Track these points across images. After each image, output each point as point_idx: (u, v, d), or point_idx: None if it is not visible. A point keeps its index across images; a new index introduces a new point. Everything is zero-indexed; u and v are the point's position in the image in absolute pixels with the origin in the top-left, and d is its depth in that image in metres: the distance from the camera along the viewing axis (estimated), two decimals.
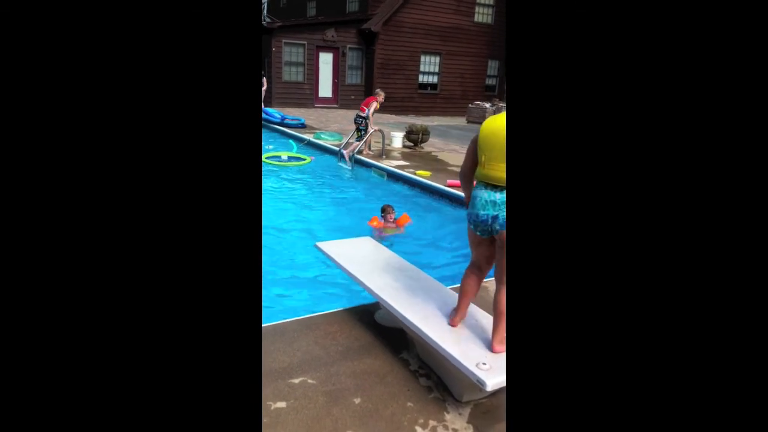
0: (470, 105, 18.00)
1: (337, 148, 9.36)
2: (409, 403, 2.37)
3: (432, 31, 18.62)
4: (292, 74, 17.30)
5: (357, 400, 2.36)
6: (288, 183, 7.62)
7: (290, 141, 10.67)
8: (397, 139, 10.59)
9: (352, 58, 18.21)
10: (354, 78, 18.53)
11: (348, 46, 17.89)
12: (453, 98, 19.95)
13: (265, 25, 15.94)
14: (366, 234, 4.12)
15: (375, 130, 9.35)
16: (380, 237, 5.38)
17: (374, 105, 9.37)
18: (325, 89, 18.20)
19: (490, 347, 2.34)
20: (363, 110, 9.34)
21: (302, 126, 12.59)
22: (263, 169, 7.35)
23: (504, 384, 2.20)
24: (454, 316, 2.53)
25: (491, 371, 2.16)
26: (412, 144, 10.73)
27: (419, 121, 14.77)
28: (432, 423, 2.25)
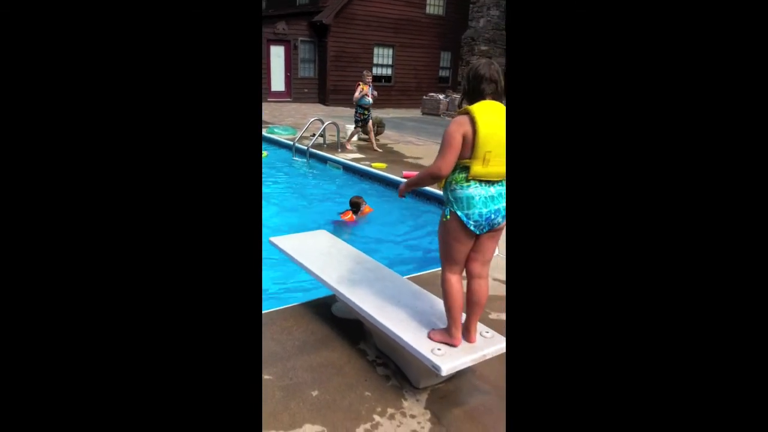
0: (424, 97, 18.13)
1: (292, 143, 9.25)
2: (367, 393, 2.38)
3: (384, 23, 18.61)
4: None
5: (314, 393, 2.35)
6: None
7: None
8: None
9: (305, 51, 18.00)
10: (307, 71, 18.33)
11: (300, 38, 17.67)
12: (407, 90, 20.03)
13: None
14: (322, 227, 4.10)
15: (329, 123, 9.29)
16: (342, 229, 5.38)
17: (358, 89, 9.09)
18: (278, 83, 17.93)
19: (467, 339, 2.35)
20: (371, 97, 9.14)
21: None
22: None
23: (458, 368, 2.24)
24: (455, 333, 2.31)
25: (446, 356, 2.20)
26: (367, 136, 10.71)
27: (374, 113, 14.76)
28: (390, 410, 2.27)
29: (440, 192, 2.30)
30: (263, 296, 3.82)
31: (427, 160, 8.23)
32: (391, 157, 8.92)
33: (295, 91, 18.27)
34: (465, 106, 2.13)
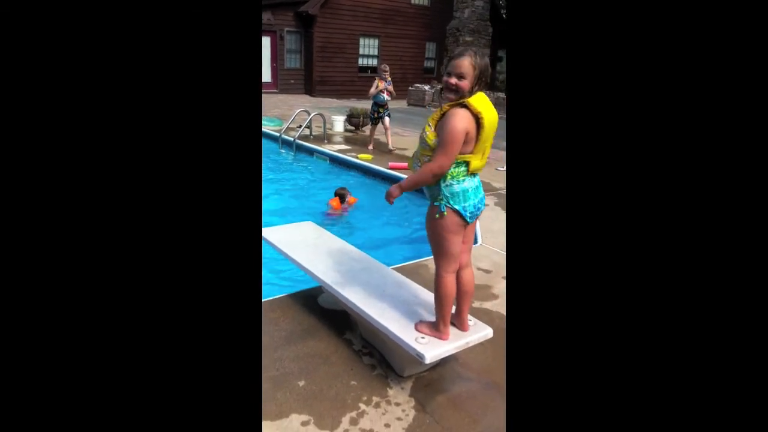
0: (410, 88, 18.11)
1: (278, 134, 9.21)
2: (353, 382, 2.42)
3: (370, 13, 18.52)
4: None
5: (301, 383, 2.38)
6: None
7: None
8: (339, 123, 10.54)
9: (291, 41, 17.86)
10: (293, 62, 18.21)
11: (286, 29, 17.53)
12: (393, 81, 19.93)
13: None
14: (309, 219, 4.11)
15: (315, 114, 9.27)
16: (329, 220, 5.40)
17: (374, 85, 8.47)
18: (264, 74, 17.79)
19: (462, 328, 2.39)
20: (386, 94, 8.44)
21: None
22: None
23: (442, 356, 2.29)
24: (444, 329, 2.32)
25: (429, 345, 2.24)
26: (353, 128, 10.71)
27: (360, 104, 14.73)
28: (375, 399, 2.31)
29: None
30: None
31: (413, 152, 8.26)
32: (378, 148, 8.93)
33: (281, 82, 18.15)
34: (454, 98, 2.06)
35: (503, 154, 7.97)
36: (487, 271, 3.80)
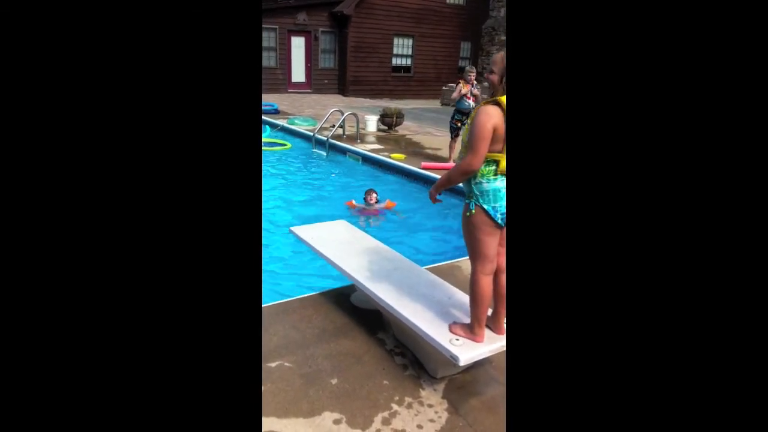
0: (444, 87, 18.01)
1: (312, 134, 9.28)
2: (385, 382, 2.41)
3: (404, 12, 18.49)
4: (264, 59, 17.03)
5: (333, 381, 2.39)
6: (263, 168, 7.55)
7: (266, 126, 10.58)
8: (371, 123, 10.56)
9: (325, 41, 18.00)
10: (327, 62, 18.35)
11: (320, 29, 17.67)
12: (426, 81, 19.92)
13: None
14: (341, 218, 4.12)
15: (349, 114, 9.30)
16: (360, 217, 5.42)
17: (457, 87, 7.18)
18: (298, 74, 17.99)
19: (498, 331, 2.36)
20: (472, 100, 7.10)
21: (276, 112, 12.44)
22: None
23: (476, 358, 2.26)
24: (479, 331, 2.29)
25: (464, 347, 2.21)
26: (386, 127, 10.71)
27: (393, 104, 14.74)
28: (408, 399, 2.29)
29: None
30: (282, 285, 3.88)
31: (446, 152, 8.19)
32: (411, 148, 8.90)
33: (315, 82, 18.31)
34: (486, 96, 2.09)
35: None
36: None
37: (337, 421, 2.12)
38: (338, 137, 9.26)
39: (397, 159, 7.74)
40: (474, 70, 7.20)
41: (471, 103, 7.06)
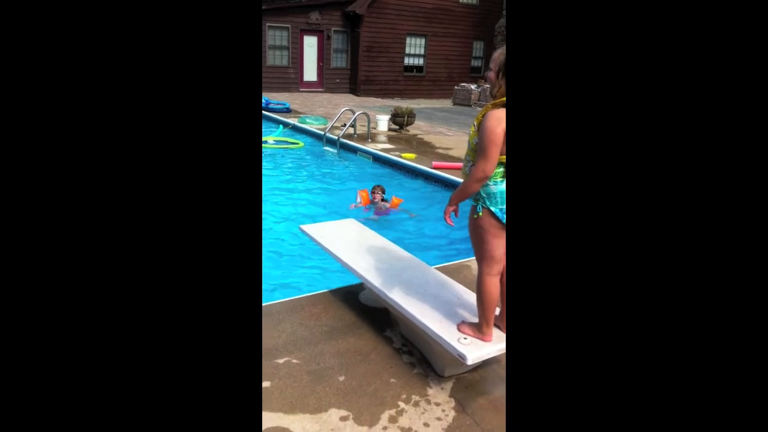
0: (456, 87, 17.98)
1: (323, 133, 9.31)
2: (392, 380, 2.41)
3: (417, 12, 18.48)
4: (276, 58, 17.11)
5: (341, 378, 2.39)
6: (273, 166, 7.60)
7: (280, 126, 10.65)
8: (383, 122, 10.56)
9: (337, 41, 18.04)
10: (339, 61, 18.38)
11: (333, 28, 17.71)
12: (439, 80, 19.89)
13: None
14: (352, 217, 4.13)
15: (360, 113, 9.31)
16: (367, 216, 5.41)
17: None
18: (310, 73, 18.04)
19: (504, 330, 2.35)
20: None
21: (287, 111, 12.50)
22: None
23: (484, 358, 2.25)
24: (486, 330, 2.29)
25: (472, 346, 2.21)
26: (397, 127, 10.71)
27: (405, 103, 14.73)
28: (415, 398, 2.29)
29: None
30: (292, 283, 3.90)
31: (457, 151, 8.19)
32: (422, 147, 8.90)
33: (326, 81, 18.36)
34: (493, 99, 2.07)
35: None
36: None
37: (343, 418, 2.13)
38: (349, 136, 9.28)
39: (408, 158, 7.74)
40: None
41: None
